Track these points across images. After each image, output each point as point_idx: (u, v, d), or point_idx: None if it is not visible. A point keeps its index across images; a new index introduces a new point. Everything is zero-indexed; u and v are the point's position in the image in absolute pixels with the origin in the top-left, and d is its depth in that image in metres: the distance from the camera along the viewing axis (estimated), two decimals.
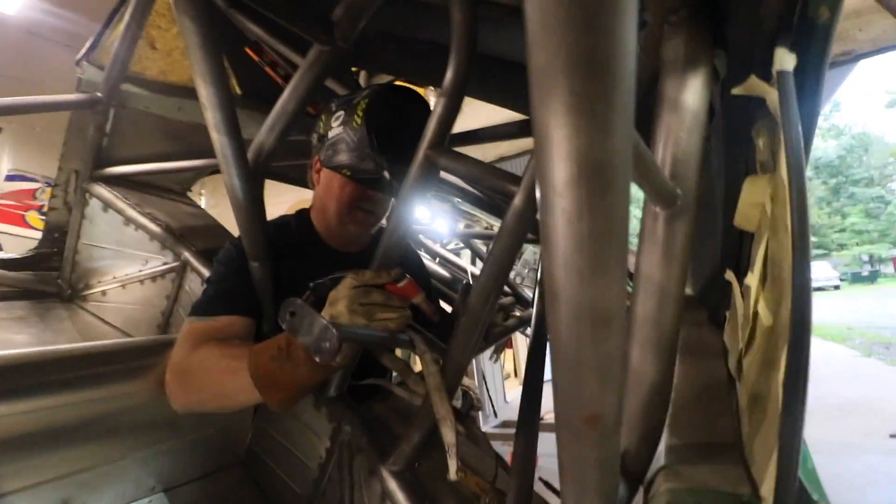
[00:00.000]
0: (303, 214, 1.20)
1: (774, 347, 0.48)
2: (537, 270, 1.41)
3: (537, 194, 0.26)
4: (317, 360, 0.62)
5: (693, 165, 0.45)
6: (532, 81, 0.22)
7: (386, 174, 0.97)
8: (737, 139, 0.59)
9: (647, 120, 0.53)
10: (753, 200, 0.51)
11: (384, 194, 1.08)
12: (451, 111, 0.86)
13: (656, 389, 0.47)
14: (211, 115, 0.75)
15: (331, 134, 1.00)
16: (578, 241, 0.25)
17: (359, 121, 0.97)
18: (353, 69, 2.02)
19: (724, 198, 0.69)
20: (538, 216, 0.27)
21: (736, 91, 0.47)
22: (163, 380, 0.90)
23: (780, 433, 0.39)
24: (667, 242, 0.46)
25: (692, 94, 0.45)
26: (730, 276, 0.73)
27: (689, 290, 1.27)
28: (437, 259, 2.35)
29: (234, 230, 1.20)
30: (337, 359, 0.77)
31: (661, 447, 0.53)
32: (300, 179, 2.41)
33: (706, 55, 0.46)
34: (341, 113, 0.99)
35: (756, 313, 0.56)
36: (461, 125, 0.98)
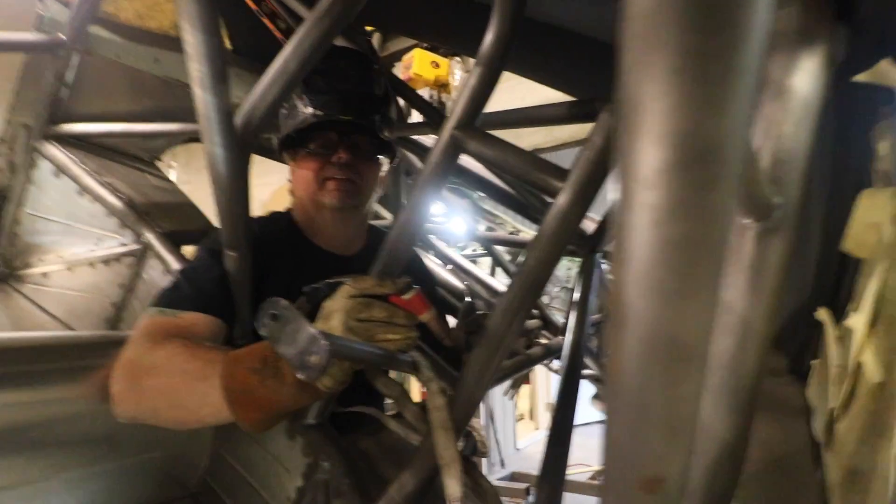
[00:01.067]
0: (290, 214, 1.24)
1: (886, 410, 0.45)
2: (572, 290, 1.39)
3: (616, 188, 0.24)
4: (299, 376, 0.61)
5: (798, 168, 0.43)
6: (626, 34, 0.20)
7: (337, 118, 1.10)
8: (851, 142, 0.56)
9: None
10: (870, 220, 0.49)
11: (349, 154, 1.14)
12: (487, 84, 0.85)
13: (728, 451, 0.45)
14: (197, 67, 0.75)
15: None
16: (664, 250, 0.23)
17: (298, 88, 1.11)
18: (368, 28, 2.03)
19: (824, 215, 0.66)
20: (614, 214, 0.25)
21: (860, 77, 0.45)
22: (106, 384, 0.89)
23: None
24: (756, 265, 0.44)
25: (804, 77, 0.43)
26: (822, 315, 0.70)
27: None
28: (449, 266, 2.34)
29: (209, 211, 1.21)
30: (326, 383, 0.76)
31: None
32: None
33: (826, 29, 0.44)
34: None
35: (860, 365, 0.54)
36: (490, 107, 0.98)
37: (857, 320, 0.54)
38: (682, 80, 0.19)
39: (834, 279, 0.72)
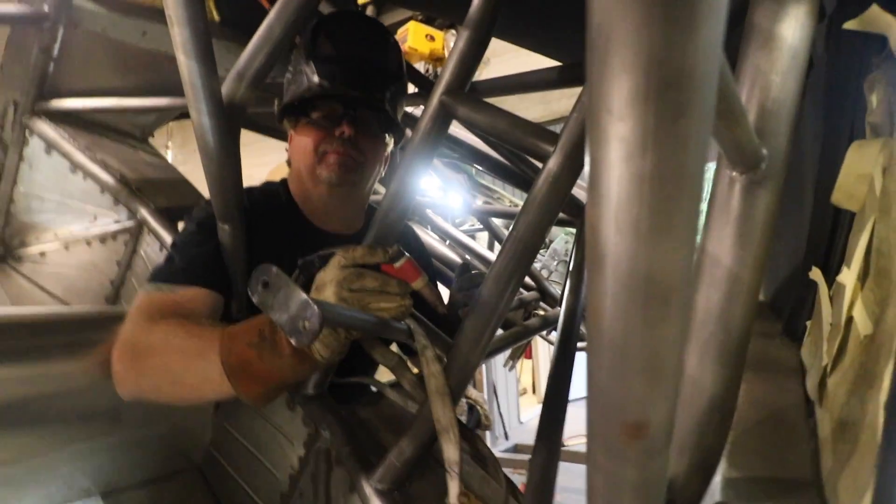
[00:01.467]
0: (286, 186, 1.20)
1: (875, 361, 0.45)
2: (568, 264, 1.39)
3: (587, 124, 0.23)
4: (292, 341, 0.61)
5: (786, 118, 0.43)
6: None
7: (343, 92, 1.06)
8: (842, 94, 0.55)
9: (731, 57, 0.50)
10: (860, 171, 0.48)
11: (353, 129, 1.08)
12: (477, 48, 0.84)
13: (716, 404, 0.45)
14: (178, 32, 0.74)
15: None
16: (637, 184, 0.23)
17: (301, 52, 1.08)
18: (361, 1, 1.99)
19: (816, 171, 0.66)
20: (586, 154, 0.25)
21: (849, 25, 0.44)
22: (107, 359, 0.90)
23: (879, 467, 0.37)
24: (743, 217, 0.44)
25: (791, 25, 0.42)
26: (815, 274, 0.70)
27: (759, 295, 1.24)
28: (448, 241, 2.33)
29: (205, 190, 1.20)
30: (323, 353, 0.77)
31: (718, 479, 0.51)
32: (283, 132, 2.41)
33: None
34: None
35: (851, 319, 0.54)
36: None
37: (848, 275, 0.54)
38: (647, 3, 0.19)
39: (827, 239, 0.72)
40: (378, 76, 1.11)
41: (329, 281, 0.77)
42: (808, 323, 0.80)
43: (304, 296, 0.61)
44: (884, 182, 0.47)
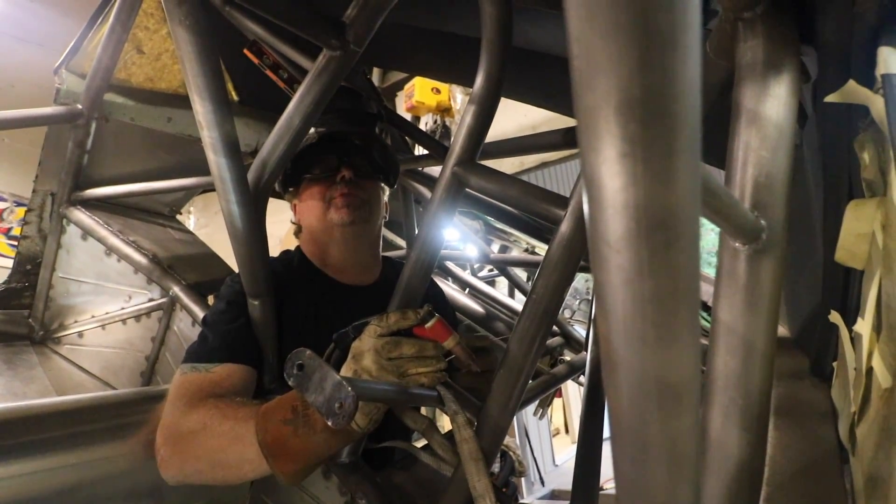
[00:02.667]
0: (300, 250, 1.26)
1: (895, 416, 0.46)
2: (591, 302, 1.40)
3: (590, 250, 0.26)
4: (329, 423, 0.63)
5: (780, 191, 0.45)
6: (580, 124, 0.23)
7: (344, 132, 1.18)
8: (836, 152, 0.58)
9: (720, 133, 0.54)
10: (859, 230, 0.50)
11: (352, 171, 1.17)
12: (484, 121, 0.88)
13: (744, 467, 0.46)
14: (207, 134, 0.80)
15: None
16: (639, 304, 0.25)
17: None
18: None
19: (824, 224, 0.68)
20: (592, 273, 0.27)
21: (830, 98, 0.47)
22: (150, 440, 0.93)
23: None
24: (750, 286, 0.46)
25: (775, 104, 0.46)
26: (835, 317, 0.71)
27: (784, 331, 1.23)
28: (467, 290, 2.36)
29: (228, 256, 1.25)
30: (360, 423, 0.79)
31: None
32: None
33: (791, 57, 0.46)
34: None
35: (871, 370, 0.55)
36: (494, 124, 1.02)
37: (863, 326, 0.55)
38: (629, 162, 0.22)
39: (842, 282, 0.73)
40: (364, 116, 1.28)
41: (367, 350, 0.80)
42: (835, 364, 0.80)
43: (337, 377, 0.64)
44: (884, 240, 0.49)
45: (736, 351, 0.47)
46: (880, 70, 0.44)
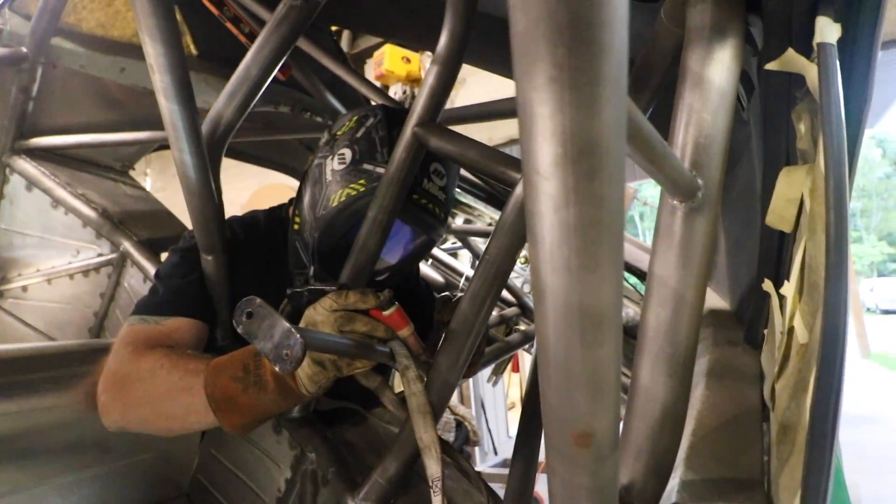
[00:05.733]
0: (275, 214, 1.20)
1: (808, 368, 0.50)
2: None
3: (523, 180, 0.28)
4: (276, 368, 0.64)
5: (717, 153, 0.47)
6: (514, 50, 0.24)
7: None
8: (776, 123, 0.61)
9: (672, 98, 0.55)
10: (789, 196, 0.54)
11: None
12: (446, 82, 0.88)
13: (668, 412, 0.49)
14: (159, 79, 0.77)
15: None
16: (565, 231, 0.27)
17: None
18: (333, 28, 2.04)
19: (762, 193, 0.71)
20: (524, 202, 0.29)
21: (770, 66, 0.49)
22: (94, 392, 0.92)
23: (805, 468, 0.41)
24: (685, 241, 0.48)
25: (719, 68, 0.48)
26: (768, 286, 0.75)
27: (725, 305, 1.29)
28: (430, 261, 2.37)
29: (186, 217, 1.22)
30: (309, 388, 0.80)
31: (675, 481, 0.55)
32: (265, 159, 2.44)
33: (737, 23, 0.48)
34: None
35: (792, 329, 0.59)
36: (464, 98, 1.01)
37: (788, 288, 0.59)
38: (557, 88, 0.23)
39: (776, 252, 0.77)
40: None
41: (320, 322, 0.81)
42: (766, 331, 0.85)
43: (286, 325, 0.64)
44: (811, 205, 0.52)
45: (667, 303, 0.49)
46: (817, 39, 0.46)
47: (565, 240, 0.27)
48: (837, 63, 0.47)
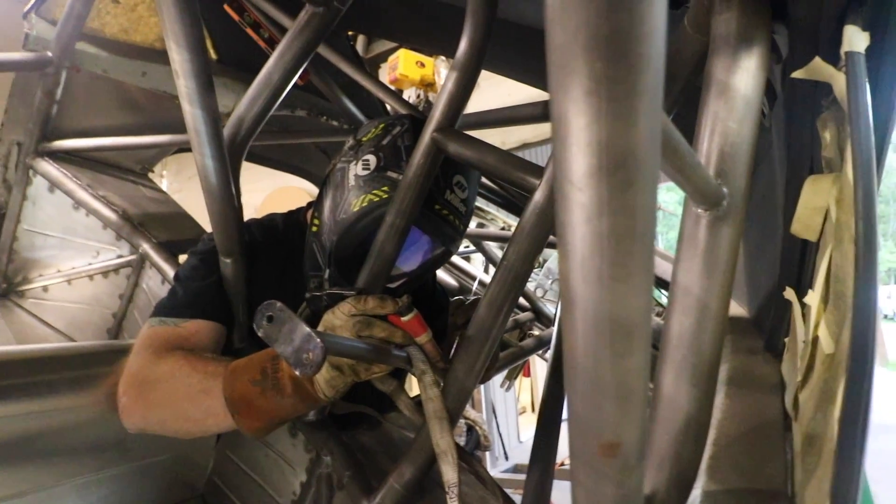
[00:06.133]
0: (293, 218, 1.21)
1: (834, 378, 0.49)
2: None
3: (555, 191, 0.28)
4: (296, 373, 0.64)
5: (743, 161, 0.47)
6: (550, 62, 0.24)
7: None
8: (800, 131, 0.60)
9: (696, 105, 0.55)
10: (815, 204, 0.53)
11: None
12: (465, 88, 0.89)
13: (691, 422, 0.49)
14: (184, 84, 0.78)
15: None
16: (597, 242, 0.27)
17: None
18: (350, 33, 2.06)
19: (785, 201, 0.70)
20: (556, 212, 0.29)
21: (796, 74, 0.49)
22: (113, 393, 0.93)
23: (834, 479, 0.40)
24: (709, 250, 0.48)
25: (744, 76, 0.47)
26: (789, 294, 0.74)
27: (744, 312, 1.28)
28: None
29: (202, 219, 1.23)
30: (326, 392, 0.81)
31: (697, 492, 0.55)
32: (281, 162, 2.46)
33: (763, 31, 0.48)
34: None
35: (817, 338, 0.58)
36: (476, 102, 1.01)
37: (813, 297, 0.58)
38: (594, 100, 0.23)
39: (798, 260, 0.77)
40: None
41: (338, 327, 0.82)
42: (786, 340, 0.84)
43: (307, 329, 0.65)
44: (837, 214, 0.52)
45: (690, 311, 0.49)
46: (844, 48, 0.46)
47: (597, 250, 0.27)
48: (866, 72, 0.46)
